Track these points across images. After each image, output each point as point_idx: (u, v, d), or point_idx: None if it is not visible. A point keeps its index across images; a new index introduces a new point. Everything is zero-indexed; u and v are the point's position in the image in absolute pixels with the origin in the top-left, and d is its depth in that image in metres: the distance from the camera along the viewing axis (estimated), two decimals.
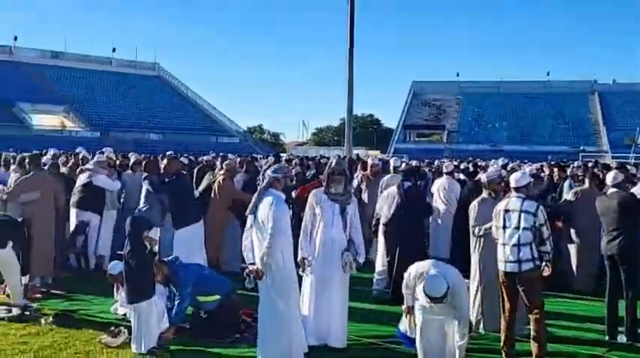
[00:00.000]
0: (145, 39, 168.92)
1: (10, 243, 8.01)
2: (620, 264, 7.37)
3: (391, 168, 11.63)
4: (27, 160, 9.78)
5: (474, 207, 7.74)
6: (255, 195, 6.55)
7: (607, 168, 13.52)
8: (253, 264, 6.37)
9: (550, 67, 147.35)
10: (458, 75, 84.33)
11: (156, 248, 7.20)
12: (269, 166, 7.43)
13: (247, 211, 6.55)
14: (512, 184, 6.69)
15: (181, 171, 10.31)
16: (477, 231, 7.59)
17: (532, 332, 6.45)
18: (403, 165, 12.47)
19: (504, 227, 6.55)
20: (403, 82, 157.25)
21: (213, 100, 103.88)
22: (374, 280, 9.40)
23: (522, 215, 6.44)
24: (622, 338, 7.38)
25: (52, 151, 12.23)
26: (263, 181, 6.74)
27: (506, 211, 6.57)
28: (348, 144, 38.30)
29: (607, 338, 7.43)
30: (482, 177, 7.96)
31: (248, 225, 6.53)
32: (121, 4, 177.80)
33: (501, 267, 6.59)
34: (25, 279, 8.38)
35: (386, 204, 9.16)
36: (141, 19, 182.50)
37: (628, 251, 7.31)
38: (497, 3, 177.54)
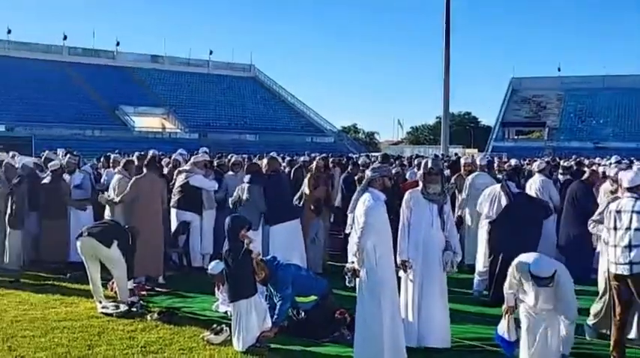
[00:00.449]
0: (241, 40, 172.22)
1: (116, 242, 8.32)
2: None
3: (477, 166, 11.27)
4: (145, 162, 10.22)
5: (603, 204, 7.34)
6: (355, 194, 6.54)
7: None
8: (353, 262, 6.34)
9: None
10: (559, 70, 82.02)
11: (252, 246, 7.26)
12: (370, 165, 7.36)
13: (348, 210, 6.56)
14: (625, 184, 6.36)
15: (279, 169, 10.44)
16: (591, 227, 7.27)
17: None
18: (485, 162, 11.97)
19: (615, 228, 6.24)
20: (501, 78, 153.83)
21: (307, 100, 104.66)
22: (474, 281, 9.19)
23: (634, 215, 6.11)
24: None
25: (151, 153, 12.62)
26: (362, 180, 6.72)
27: (618, 212, 6.26)
28: (444, 142, 37.83)
29: None
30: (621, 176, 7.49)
31: (348, 223, 6.53)
32: (217, 7, 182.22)
33: (612, 269, 6.29)
34: (130, 283, 8.66)
35: (487, 204, 8.90)
36: (237, 21, 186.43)
37: None
38: None
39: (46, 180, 11.14)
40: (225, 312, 7.91)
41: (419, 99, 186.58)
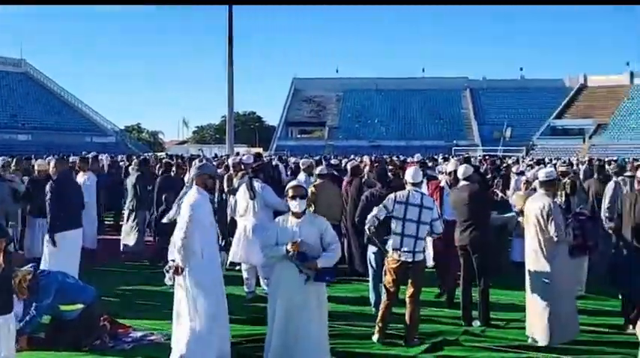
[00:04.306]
0: (11, 34, 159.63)
1: None
2: (472, 253, 7.78)
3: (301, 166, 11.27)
4: None
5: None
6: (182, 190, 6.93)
7: (468, 161, 13.52)
8: (174, 260, 6.32)
9: (425, 65, 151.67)
10: (337, 71, 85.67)
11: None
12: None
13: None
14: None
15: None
16: None
17: None
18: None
19: None
20: (284, 78, 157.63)
21: (87, 99, 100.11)
22: None
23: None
24: (476, 323, 7.81)
25: None
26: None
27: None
28: (229, 141, 37.81)
29: (463, 323, 7.83)
30: (540, 175, 7.44)
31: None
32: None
33: None
34: None
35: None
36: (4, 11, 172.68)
37: (479, 241, 7.73)
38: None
39: None
40: None
41: (204, 98, 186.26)
